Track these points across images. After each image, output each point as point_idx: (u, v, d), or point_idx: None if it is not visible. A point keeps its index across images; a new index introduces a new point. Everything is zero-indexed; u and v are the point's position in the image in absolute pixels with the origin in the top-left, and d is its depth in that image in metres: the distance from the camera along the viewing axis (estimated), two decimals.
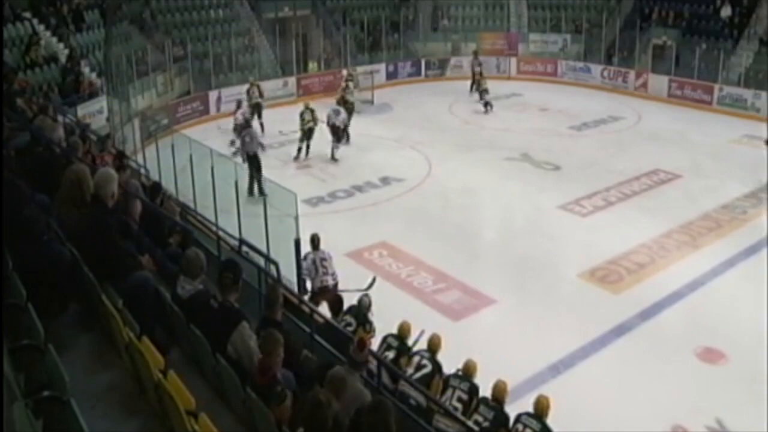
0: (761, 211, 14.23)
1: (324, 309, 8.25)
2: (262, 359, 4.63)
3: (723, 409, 8.18)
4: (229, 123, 17.94)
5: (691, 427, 7.90)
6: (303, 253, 9.23)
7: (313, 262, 9.10)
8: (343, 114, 17.60)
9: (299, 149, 17.16)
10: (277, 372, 4.62)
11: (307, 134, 17.01)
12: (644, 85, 24.75)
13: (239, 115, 16.83)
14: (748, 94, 21.91)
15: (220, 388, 4.67)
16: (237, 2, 24.60)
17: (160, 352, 4.28)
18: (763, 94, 21.30)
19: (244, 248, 8.75)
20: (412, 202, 14.65)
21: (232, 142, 16.26)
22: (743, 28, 23.85)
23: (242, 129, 15.60)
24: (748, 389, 8.59)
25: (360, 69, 24.04)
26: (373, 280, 8.92)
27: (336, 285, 9.06)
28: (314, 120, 16.96)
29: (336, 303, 8.28)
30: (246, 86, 19.91)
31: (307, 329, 6.75)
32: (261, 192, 13.04)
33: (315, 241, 9.27)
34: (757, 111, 21.00)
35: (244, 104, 17.89)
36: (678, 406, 8.23)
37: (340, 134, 17.27)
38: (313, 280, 9.09)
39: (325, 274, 9.07)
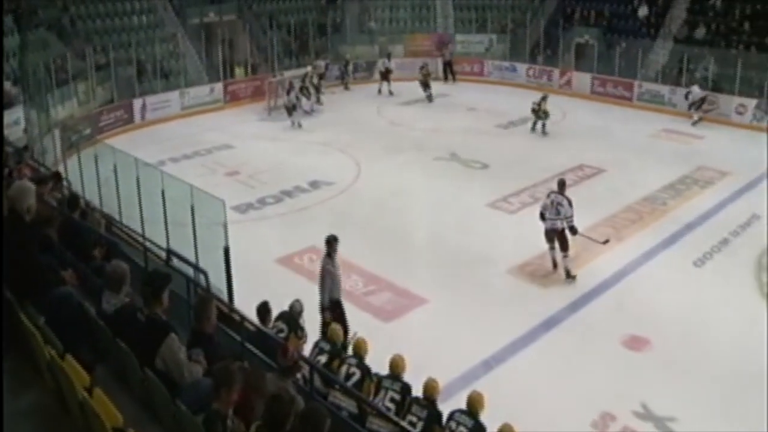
0: (680, 202, 14.82)
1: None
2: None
3: (648, 394, 8.47)
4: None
5: (618, 413, 8.14)
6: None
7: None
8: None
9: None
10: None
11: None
12: (568, 83, 25.44)
13: (292, 96, 20.48)
14: (665, 90, 22.80)
15: (149, 402, 4.60)
16: (161, 8, 24.12)
17: (85, 370, 4.20)
18: (679, 89, 22.14)
19: (173, 258, 8.63)
20: (342, 206, 14.66)
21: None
22: (659, 27, 24.78)
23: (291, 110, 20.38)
24: (672, 374, 8.97)
25: (287, 73, 23.93)
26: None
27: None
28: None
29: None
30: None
31: (238, 338, 6.70)
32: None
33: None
34: (674, 106, 21.83)
35: (296, 87, 20.92)
36: (606, 394, 8.47)
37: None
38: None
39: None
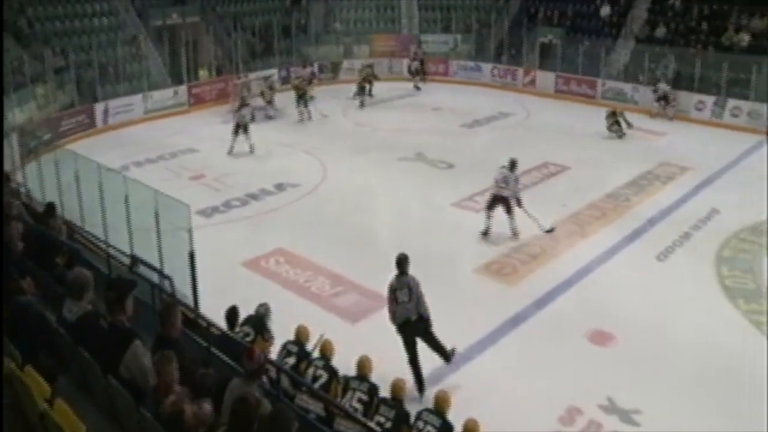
0: (643, 198, 15.06)
1: None
2: (159, 381, 4.54)
3: (613, 388, 8.58)
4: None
5: (584, 407, 8.24)
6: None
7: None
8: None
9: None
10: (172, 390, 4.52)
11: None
12: (532, 82, 25.67)
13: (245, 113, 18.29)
14: (627, 87, 23.16)
15: (113, 410, 4.56)
16: (122, 10, 23.77)
17: (47, 380, 4.15)
18: (641, 87, 22.56)
19: (137, 264, 8.54)
20: (308, 207, 14.63)
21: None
22: (621, 26, 25.15)
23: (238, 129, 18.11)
24: (636, 368, 9.11)
25: (252, 75, 23.84)
26: None
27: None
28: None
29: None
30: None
31: (204, 343, 6.66)
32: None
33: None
34: (636, 103, 22.15)
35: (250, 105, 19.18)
36: (572, 389, 8.57)
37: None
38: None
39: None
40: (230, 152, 17.81)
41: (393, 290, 8.32)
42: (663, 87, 21.69)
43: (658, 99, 21.71)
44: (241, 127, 17.95)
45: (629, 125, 19.71)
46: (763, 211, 13.86)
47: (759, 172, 16.63)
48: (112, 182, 10.34)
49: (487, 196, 13.28)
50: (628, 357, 9.36)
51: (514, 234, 12.79)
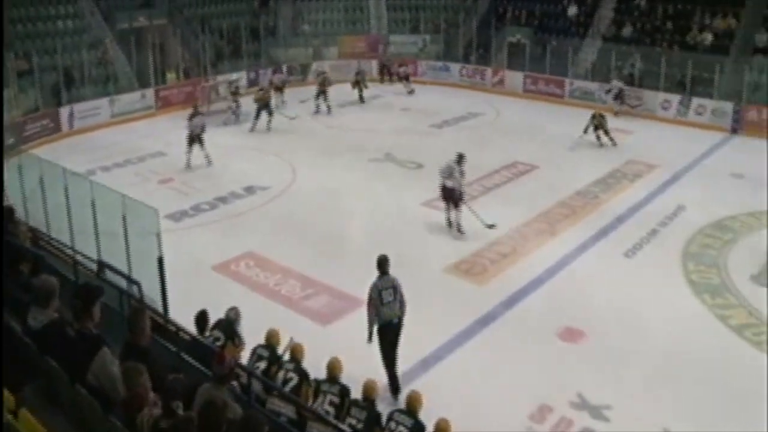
0: (611, 196, 15.25)
1: None
2: (131, 394, 4.44)
3: (584, 384, 8.67)
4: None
5: (555, 404, 8.32)
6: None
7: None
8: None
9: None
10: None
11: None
12: (501, 81, 25.87)
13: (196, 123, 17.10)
14: (594, 86, 23.44)
15: (81, 419, 4.50)
16: (87, 12, 23.47)
17: (11, 391, 4.08)
18: (607, 86, 22.77)
19: (105, 270, 8.43)
20: (278, 210, 14.57)
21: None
22: (588, 26, 25.45)
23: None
24: (606, 364, 9.23)
25: (220, 78, 23.66)
26: None
27: None
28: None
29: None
30: None
31: (174, 348, 6.61)
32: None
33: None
34: (604, 102, 22.38)
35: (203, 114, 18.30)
36: (543, 386, 8.65)
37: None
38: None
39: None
40: (187, 166, 16.82)
41: (379, 291, 8.31)
42: (617, 84, 22.08)
43: (615, 97, 21.98)
44: (194, 139, 16.87)
45: (612, 141, 18.73)
46: (727, 207, 14.17)
47: (723, 168, 16.98)
48: (79, 187, 10.19)
49: None
50: (598, 353, 9.48)
51: (458, 230, 13.06)
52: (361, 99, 23.89)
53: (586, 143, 18.96)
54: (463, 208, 13.04)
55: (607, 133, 18.76)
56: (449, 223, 13.23)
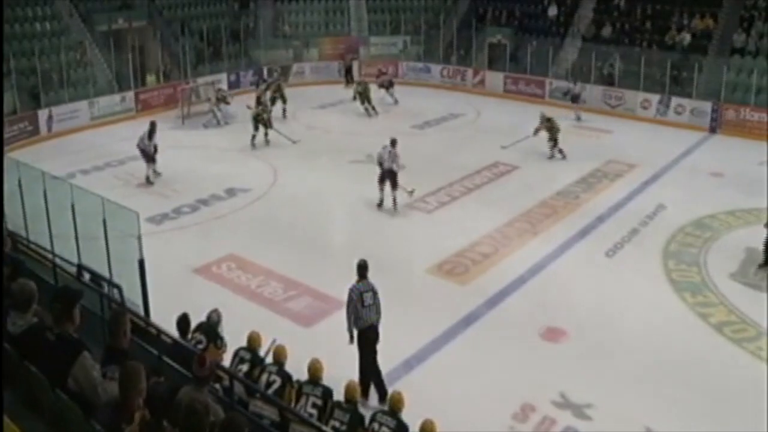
0: (592, 195, 15.35)
1: None
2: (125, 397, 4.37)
3: (566, 383, 8.72)
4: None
5: (538, 404, 8.36)
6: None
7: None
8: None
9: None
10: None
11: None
12: (482, 82, 25.97)
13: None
14: (575, 86, 23.48)
15: (62, 425, 4.46)
16: (66, 14, 23.24)
17: None
18: (588, 86, 22.93)
19: (85, 274, 8.36)
20: (259, 212, 14.53)
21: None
22: (568, 26, 25.62)
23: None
24: (588, 362, 9.28)
25: (201, 80, 23.53)
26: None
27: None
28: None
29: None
30: None
31: (155, 351, 6.56)
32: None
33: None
34: (584, 102, 22.53)
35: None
36: (526, 386, 8.70)
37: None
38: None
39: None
40: (148, 181, 16.05)
41: (360, 293, 8.31)
42: (571, 87, 22.23)
43: (572, 99, 22.05)
44: (147, 156, 16.13)
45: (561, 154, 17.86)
46: (707, 206, 14.31)
47: (702, 167, 17.15)
48: (58, 190, 10.09)
49: (439, 196, 13.40)
50: (580, 352, 9.54)
51: (395, 206, 14.25)
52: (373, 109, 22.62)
53: (566, 143, 19.02)
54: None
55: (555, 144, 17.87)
56: (381, 204, 14.38)
